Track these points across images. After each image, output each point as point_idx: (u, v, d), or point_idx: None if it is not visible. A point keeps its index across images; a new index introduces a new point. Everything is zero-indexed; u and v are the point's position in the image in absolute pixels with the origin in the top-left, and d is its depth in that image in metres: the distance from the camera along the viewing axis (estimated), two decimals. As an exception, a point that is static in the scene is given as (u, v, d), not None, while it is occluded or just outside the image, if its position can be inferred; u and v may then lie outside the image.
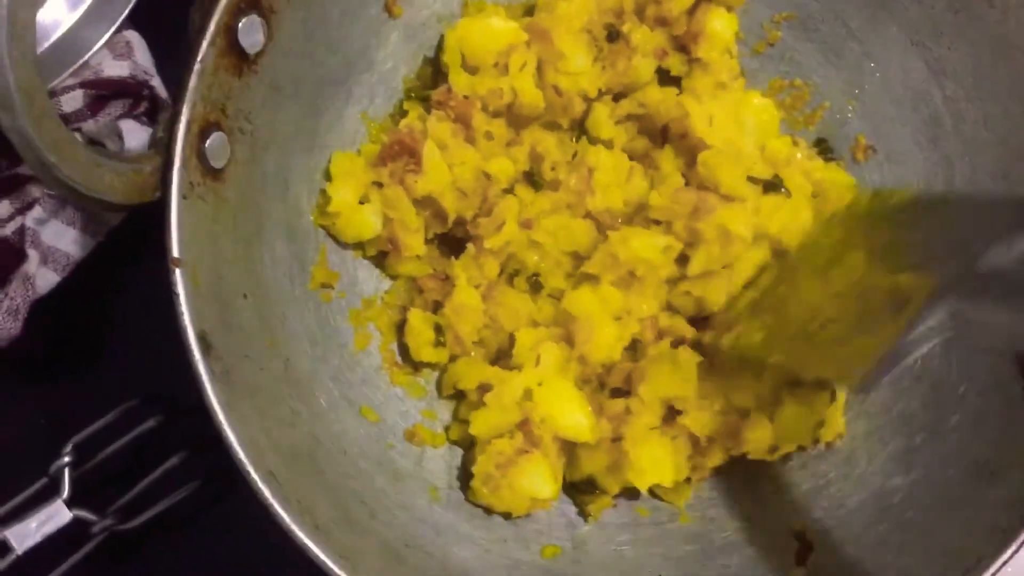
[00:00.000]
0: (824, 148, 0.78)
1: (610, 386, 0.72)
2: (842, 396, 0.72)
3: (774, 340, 0.65)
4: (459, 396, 0.75)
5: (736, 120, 0.75)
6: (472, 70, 0.74)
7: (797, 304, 0.65)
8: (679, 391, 0.70)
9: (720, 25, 0.75)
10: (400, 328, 0.75)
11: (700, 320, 0.74)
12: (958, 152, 0.73)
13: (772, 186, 0.74)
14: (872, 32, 0.75)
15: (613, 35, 0.76)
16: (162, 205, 0.57)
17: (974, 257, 0.53)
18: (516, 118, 0.75)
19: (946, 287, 0.53)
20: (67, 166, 0.54)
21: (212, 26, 0.59)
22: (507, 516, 0.71)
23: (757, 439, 0.70)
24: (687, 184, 0.73)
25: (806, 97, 0.79)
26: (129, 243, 0.76)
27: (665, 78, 0.78)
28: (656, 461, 0.69)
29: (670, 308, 0.73)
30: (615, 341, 0.71)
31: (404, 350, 0.75)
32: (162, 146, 0.58)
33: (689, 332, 0.72)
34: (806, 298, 0.65)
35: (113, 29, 0.76)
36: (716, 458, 0.72)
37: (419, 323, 0.74)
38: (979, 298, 0.52)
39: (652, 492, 0.73)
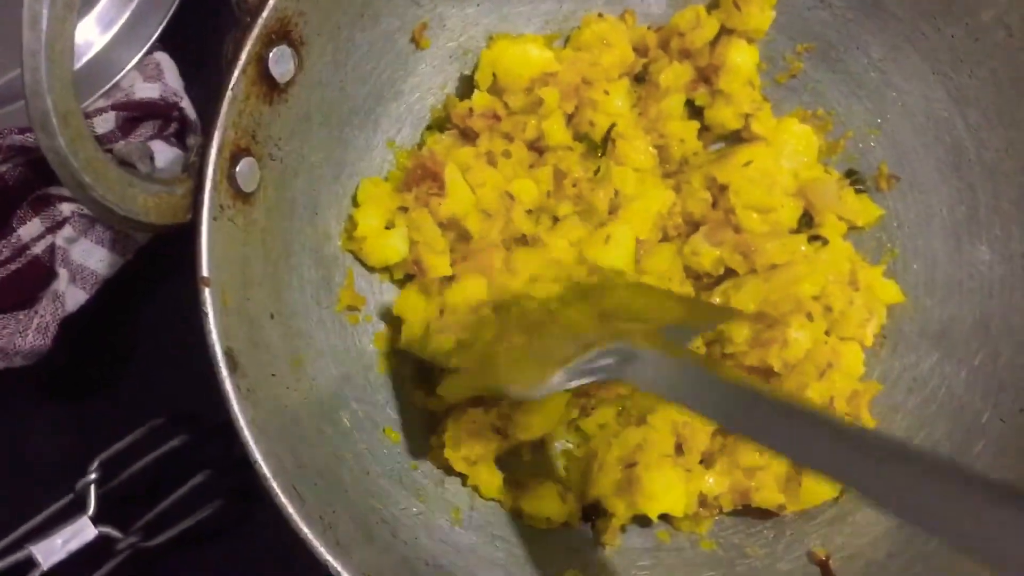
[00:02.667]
0: (856, 179, 0.79)
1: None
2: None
3: (463, 351, 0.68)
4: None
5: (774, 146, 0.76)
6: (500, 91, 0.75)
7: (497, 328, 0.69)
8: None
9: (741, 58, 0.76)
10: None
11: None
12: (981, 180, 0.73)
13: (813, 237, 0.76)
14: (894, 62, 0.75)
15: (640, 76, 0.78)
16: (192, 226, 0.59)
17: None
18: (540, 147, 0.76)
19: (624, 344, 0.60)
20: (101, 186, 0.55)
21: (244, 55, 0.60)
22: (529, 534, 0.71)
23: (765, 499, 0.70)
24: (714, 205, 0.75)
25: (829, 127, 0.79)
26: (156, 262, 0.77)
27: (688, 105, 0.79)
28: (669, 489, 0.68)
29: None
30: None
31: (427, 373, 0.76)
32: (194, 170, 0.60)
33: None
34: (509, 326, 0.69)
35: (144, 51, 0.78)
36: (728, 505, 0.72)
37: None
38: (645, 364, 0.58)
39: (671, 521, 0.73)
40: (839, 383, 0.71)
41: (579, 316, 0.67)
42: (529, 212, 0.75)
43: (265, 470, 0.55)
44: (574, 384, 0.60)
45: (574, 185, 0.73)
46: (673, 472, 0.69)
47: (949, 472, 0.43)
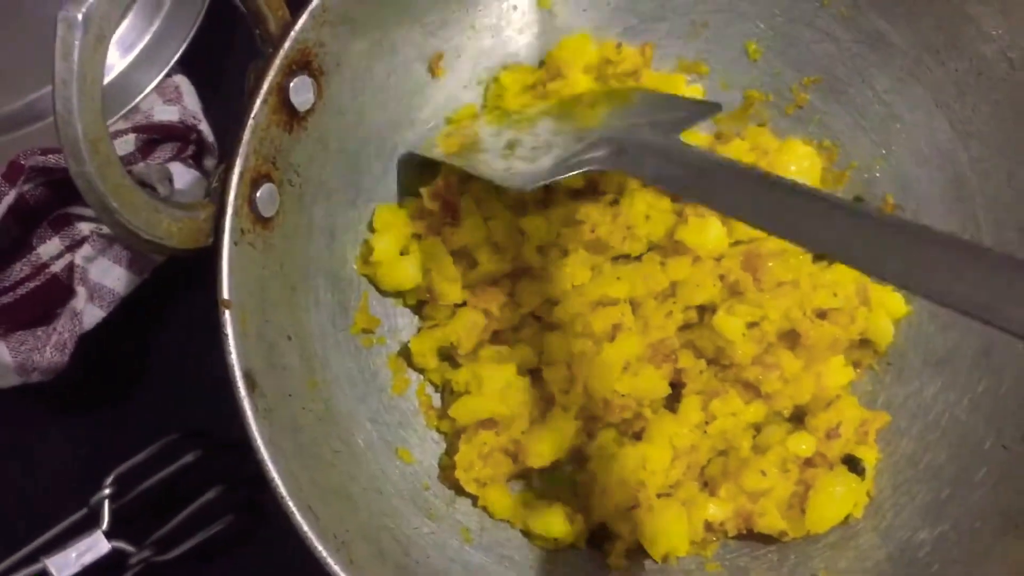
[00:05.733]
0: (862, 206, 0.80)
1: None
2: (871, 471, 0.73)
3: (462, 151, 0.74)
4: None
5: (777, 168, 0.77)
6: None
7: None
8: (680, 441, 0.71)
9: None
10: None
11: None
12: (984, 210, 0.74)
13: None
14: (898, 94, 0.76)
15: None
16: (214, 250, 0.60)
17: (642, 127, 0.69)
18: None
19: (613, 133, 0.68)
20: (128, 212, 0.56)
21: (265, 85, 0.62)
22: (538, 555, 0.72)
23: (768, 525, 0.71)
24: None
25: (835, 157, 0.80)
26: (171, 281, 0.78)
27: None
28: (671, 531, 0.69)
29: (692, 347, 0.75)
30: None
31: (440, 395, 0.77)
32: (216, 195, 0.62)
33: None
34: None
35: (163, 74, 0.80)
36: (732, 530, 0.73)
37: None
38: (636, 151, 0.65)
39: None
40: (847, 411, 0.73)
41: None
42: (539, 248, 0.75)
43: (282, 489, 0.56)
44: (565, 175, 0.67)
45: (592, 231, 0.74)
46: (674, 512, 0.69)
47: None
